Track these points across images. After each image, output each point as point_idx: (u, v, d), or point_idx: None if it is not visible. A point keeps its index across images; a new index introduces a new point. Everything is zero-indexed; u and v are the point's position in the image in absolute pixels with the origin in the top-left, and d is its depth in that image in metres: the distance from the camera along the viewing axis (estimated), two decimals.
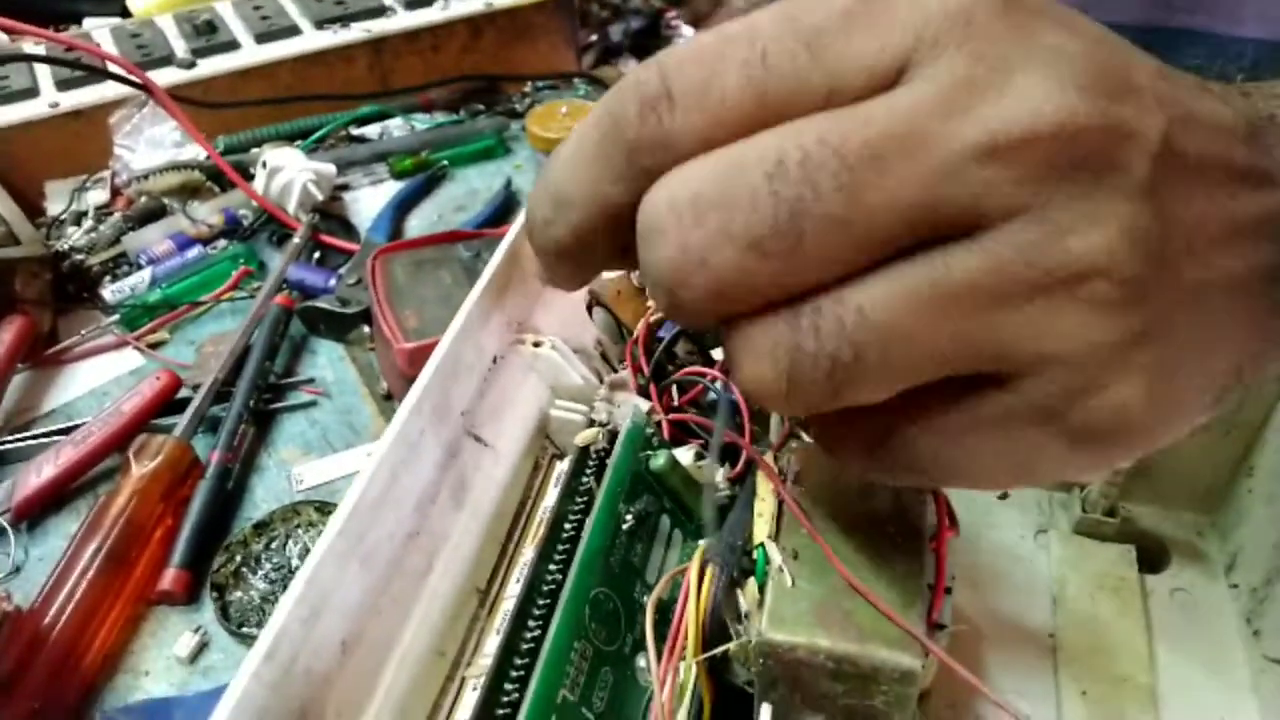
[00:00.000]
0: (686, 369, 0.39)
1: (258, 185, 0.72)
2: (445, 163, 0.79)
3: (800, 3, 0.19)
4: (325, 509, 0.52)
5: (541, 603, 0.30)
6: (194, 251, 0.69)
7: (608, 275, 0.42)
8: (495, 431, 0.34)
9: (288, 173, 0.71)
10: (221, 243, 0.70)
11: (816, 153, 0.18)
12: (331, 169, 0.74)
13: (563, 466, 0.35)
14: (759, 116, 0.19)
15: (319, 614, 0.25)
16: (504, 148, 0.82)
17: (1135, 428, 0.20)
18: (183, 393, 0.58)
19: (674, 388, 0.41)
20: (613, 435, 0.35)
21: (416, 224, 0.75)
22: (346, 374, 0.62)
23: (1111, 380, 0.19)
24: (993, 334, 0.19)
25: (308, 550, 0.50)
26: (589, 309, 0.42)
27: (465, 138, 0.81)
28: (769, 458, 0.31)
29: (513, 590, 0.31)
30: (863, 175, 0.18)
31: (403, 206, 0.75)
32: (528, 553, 0.31)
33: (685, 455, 0.35)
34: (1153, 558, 0.41)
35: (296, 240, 0.69)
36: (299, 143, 0.79)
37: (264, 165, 0.71)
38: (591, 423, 0.36)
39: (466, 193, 0.78)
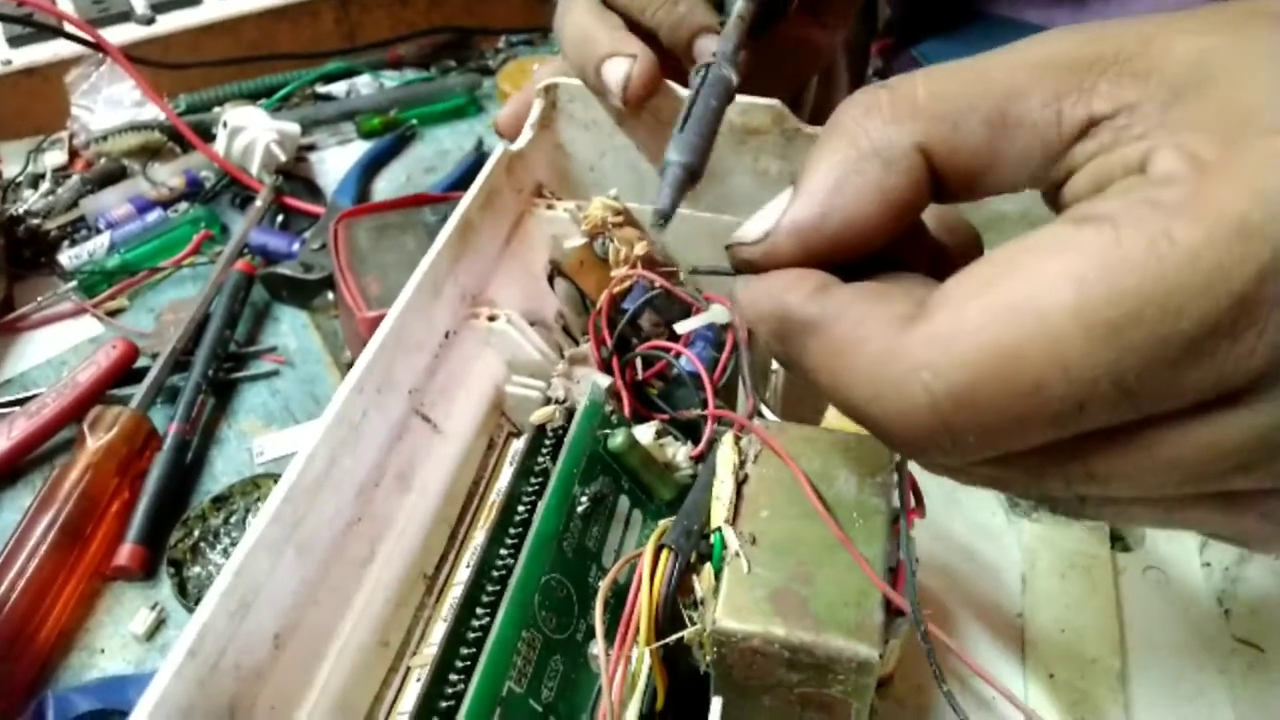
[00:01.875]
0: (650, 342, 0.37)
1: (219, 146, 0.69)
2: (414, 122, 0.77)
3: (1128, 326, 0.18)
4: None
5: (491, 589, 0.29)
6: (154, 215, 0.67)
7: (570, 244, 0.40)
8: (446, 410, 0.33)
9: (250, 133, 0.69)
10: (183, 205, 0.68)
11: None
12: (296, 129, 0.71)
13: (518, 445, 0.34)
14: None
15: (249, 606, 0.24)
16: (476, 106, 0.79)
17: None
18: (141, 361, 0.57)
19: (638, 361, 0.39)
20: (570, 413, 0.34)
21: (384, 186, 0.73)
22: (310, 342, 0.60)
23: None
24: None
25: None
26: (550, 280, 0.40)
27: (435, 96, 0.79)
28: (729, 437, 0.30)
29: (462, 576, 0.29)
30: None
31: (370, 168, 0.73)
32: (479, 536, 0.30)
33: (645, 433, 0.34)
34: (1126, 535, 0.40)
35: (259, 204, 0.67)
36: (263, 101, 0.76)
37: (225, 125, 0.69)
38: (548, 400, 0.34)
39: (436, 153, 0.76)
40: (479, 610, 0.28)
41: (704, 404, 0.37)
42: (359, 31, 0.80)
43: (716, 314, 0.36)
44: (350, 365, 0.59)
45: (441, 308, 0.33)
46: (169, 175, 0.69)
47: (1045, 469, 0.20)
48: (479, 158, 0.73)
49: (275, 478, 0.51)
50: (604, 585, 0.28)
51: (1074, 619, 0.37)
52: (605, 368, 0.38)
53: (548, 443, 0.33)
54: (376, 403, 0.29)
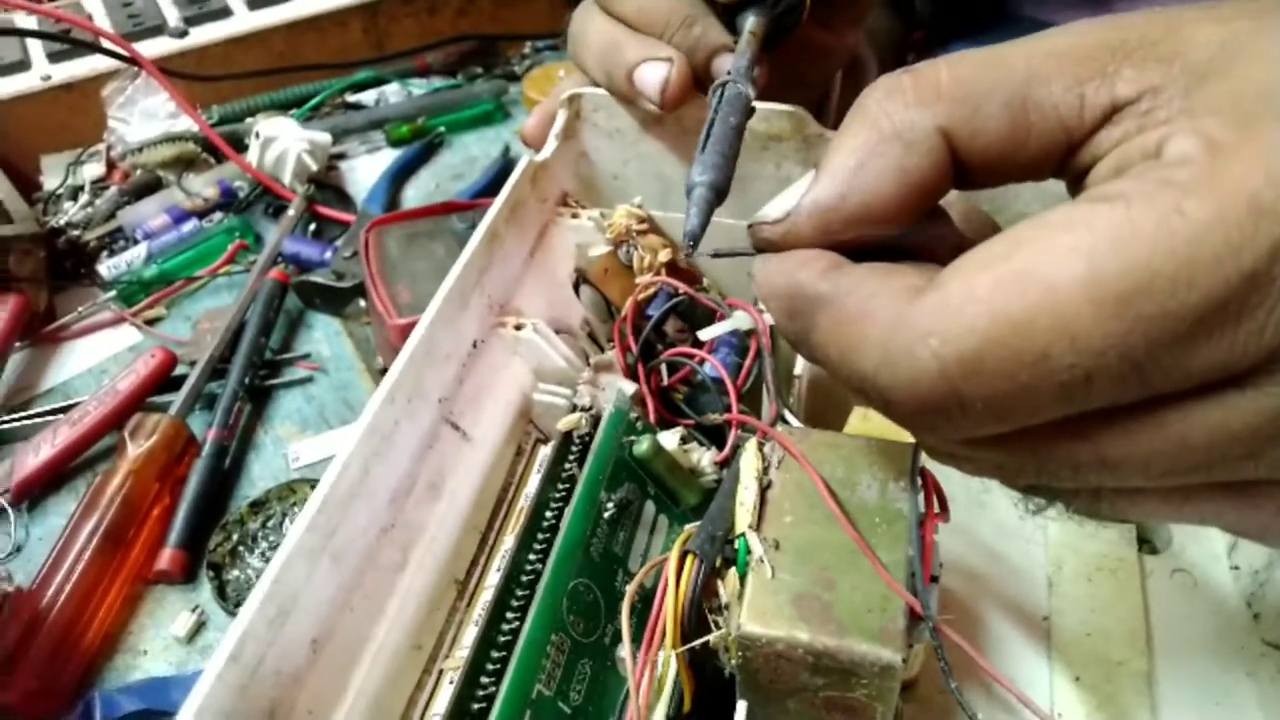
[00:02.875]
0: (674, 349, 0.38)
1: (251, 156, 0.71)
2: (442, 129, 0.78)
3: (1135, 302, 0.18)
4: None
5: (520, 594, 0.29)
6: (189, 225, 0.68)
7: (594, 252, 0.41)
8: (475, 419, 0.33)
9: (281, 143, 0.70)
10: (217, 215, 0.70)
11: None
12: (326, 138, 0.73)
13: (546, 452, 0.35)
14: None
15: (288, 613, 0.25)
16: (503, 112, 0.80)
17: None
18: (179, 369, 0.58)
19: (663, 367, 0.40)
20: (596, 420, 0.34)
21: (413, 194, 0.74)
22: (343, 349, 0.61)
23: None
24: None
25: None
26: (575, 287, 0.41)
27: (463, 103, 0.80)
28: (753, 443, 0.30)
29: (492, 580, 0.30)
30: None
31: (399, 176, 0.74)
32: (508, 542, 0.31)
33: (670, 439, 0.34)
34: (1153, 538, 0.40)
35: (291, 213, 0.68)
36: (294, 111, 0.78)
37: (257, 136, 0.70)
38: (575, 407, 0.35)
39: (464, 160, 0.77)
40: (509, 614, 0.29)
41: (728, 409, 0.37)
42: (387, 41, 0.82)
43: (740, 320, 0.37)
44: (383, 372, 0.60)
45: (469, 318, 0.34)
46: (203, 186, 0.70)
47: (1053, 452, 0.20)
48: (505, 164, 0.74)
49: (311, 483, 0.52)
50: (630, 590, 0.29)
51: (1101, 622, 0.37)
52: (630, 374, 0.39)
53: (574, 449, 0.34)
54: (408, 412, 0.30)
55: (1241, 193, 0.17)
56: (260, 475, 0.54)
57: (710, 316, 0.42)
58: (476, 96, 0.80)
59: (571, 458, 0.33)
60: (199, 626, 0.46)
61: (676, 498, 0.35)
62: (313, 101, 0.77)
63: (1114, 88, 0.20)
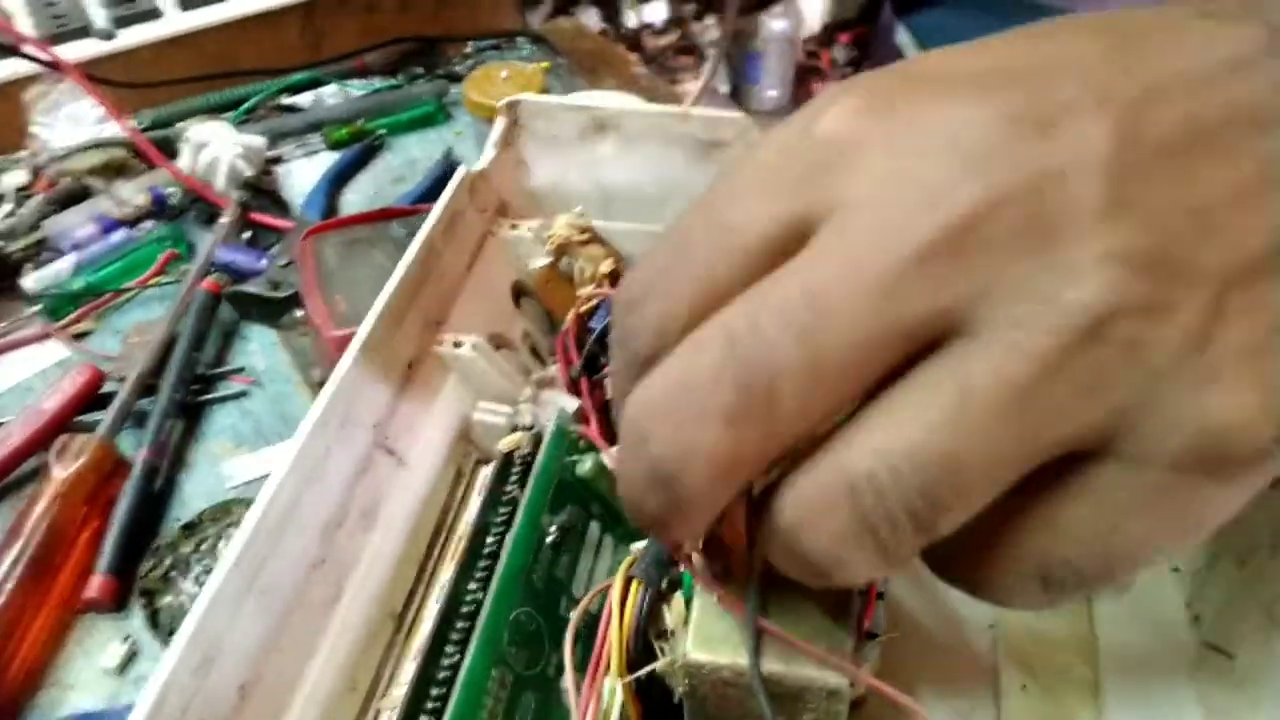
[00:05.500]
0: None
1: (183, 162, 0.69)
2: (382, 131, 0.76)
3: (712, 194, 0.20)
4: None
5: (460, 625, 0.28)
6: (119, 234, 0.66)
7: (535, 264, 0.40)
8: (411, 442, 0.32)
9: (214, 148, 0.68)
10: (148, 224, 0.67)
11: (762, 315, 0.18)
12: (261, 142, 0.71)
13: (486, 474, 0.34)
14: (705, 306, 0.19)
15: (212, 660, 0.24)
16: (444, 114, 0.79)
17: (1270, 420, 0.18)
18: (108, 386, 0.56)
19: (607, 382, 0.39)
20: (538, 439, 0.33)
21: (353, 198, 0.72)
22: (279, 361, 0.60)
23: (1206, 395, 0.17)
24: (1057, 416, 0.17)
25: None
26: (515, 299, 0.40)
27: (403, 104, 0.78)
28: None
29: (431, 612, 0.29)
30: (809, 320, 0.18)
31: (338, 180, 0.72)
32: (448, 571, 0.30)
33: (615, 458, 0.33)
34: None
35: (224, 220, 0.66)
36: (228, 114, 0.75)
37: (188, 141, 0.68)
38: (515, 427, 0.34)
39: (405, 163, 0.75)
40: (449, 649, 0.28)
41: None
42: (324, 41, 0.80)
43: None
44: (320, 384, 0.58)
45: (404, 337, 0.33)
46: (133, 193, 0.68)
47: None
48: (447, 168, 0.72)
49: (246, 503, 0.50)
50: (574, 618, 0.28)
51: (1046, 629, 0.37)
52: (574, 389, 0.38)
53: (515, 471, 0.33)
54: (340, 438, 0.29)
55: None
56: (193, 495, 0.52)
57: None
58: (417, 98, 0.78)
59: (513, 479, 0.33)
60: (130, 657, 0.45)
61: (621, 518, 0.34)
62: (247, 104, 0.75)
63: None
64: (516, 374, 0.36)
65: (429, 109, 0.78)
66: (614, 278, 0.40)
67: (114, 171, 0.70)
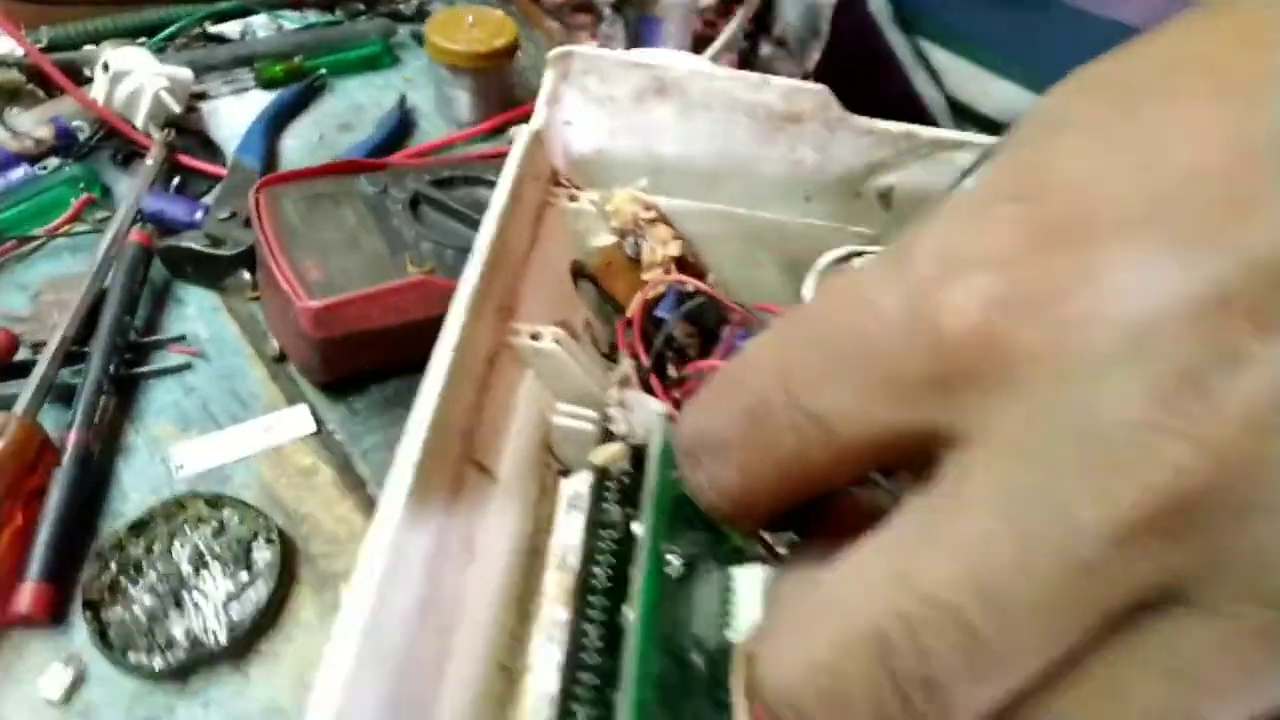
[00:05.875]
0: (701, 361, 0.33)
1: (97, 91, 0.59)
2: (323, 71, 0.68)
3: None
4: (218, 502, 0.43)
5: (586, 678, 0.24)
6: (18, 172, 0.56)
7: (596, 242, 0.35)
8: (498, 453, 0.27)
9: (136, 78, 0.59)
10: (53, 161, 0.58)
11: (917, 614, 0.15)
12: (188, 74, 0.62)
13: (572, 489, 0.29)
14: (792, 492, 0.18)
15: None
16: (391, 56, 0.71)
17: None
18: (20, 353, 0.48)
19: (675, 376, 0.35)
20: (636, 452, 0.29)
21: (294, 144, 0.64)
22: (225, 330, 0.52)
23: None
24: None
25: (200, 553, 0.42)
26: (574, 280, 0.35)
27: (346, 42, 0.70)
28: None
29: (541, 660, 0.25)
30: (979, 622, 0.14)
31: (275, 122, 0.64)
32: (552, 612, 0.25)
33: None
34: None
35: (150, 162, 0.57)
36: (143, 40, 0.66)
37: (105, 68, 0.58)
38: (606, 433, 0.29)
39: (350, 107, 0.67)
40: (578, 709, 0.23)
41: None
42: None
43: None
44: (279, 358, 0.51)
45: (483, 329, 0.28)
46: (33, 124, 0.58)
47: None
48: (403, 117, 0.65)
49: (205, 497, 0.43)
50: (738, 668, 0.24)
51: None
52: (644, 385, 0.33)
53: (610, 486, 0.29)
54: (435, 452, 0.24)
55: None
56: (135, 486, 0.45)
57: (720, 317, 0.37)
58: (362, 36, 0.70)
59: (610, 499, 0.28)
60: (76, 682, 0.38)
61: (728, 535, 0.30)
62: (168, 30, 0.65)
63: None
64: (596, 369, 0.31)
65: (375, 49, 0.70)
66: (681, 263, 0.36)
67: (8, 97, 0.60)
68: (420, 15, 0.74)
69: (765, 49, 2.83)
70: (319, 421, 0.48)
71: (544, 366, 0.30)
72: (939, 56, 0.66)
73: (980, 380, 0.15)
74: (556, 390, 0.30)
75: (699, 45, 2.60)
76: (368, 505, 0.45)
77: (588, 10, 2.71)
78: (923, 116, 0.68)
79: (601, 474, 0.29)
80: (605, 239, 0.35)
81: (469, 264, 0.27)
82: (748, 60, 2.74)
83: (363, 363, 0.50)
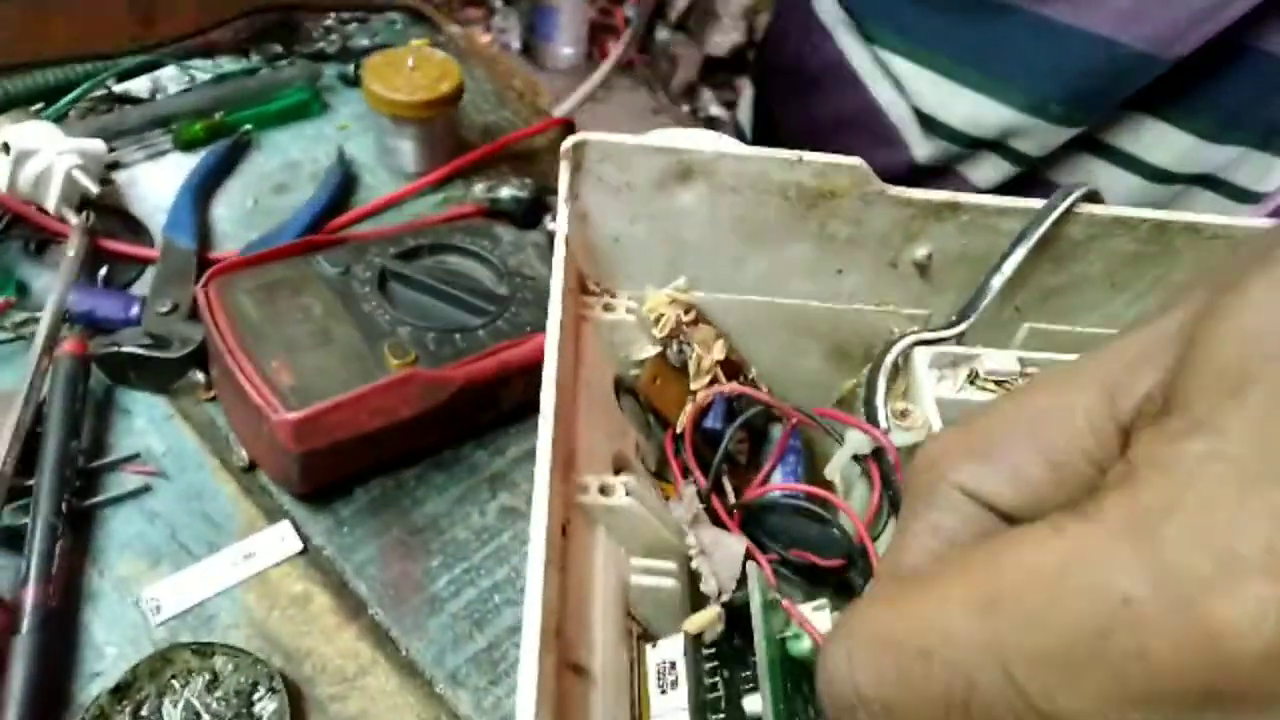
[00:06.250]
0: (771, 484, 0.30)
1: None
2: (248, 126, 0.62)
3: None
4: (207, 650, 0.39)
5: None
6: None
7: (639, 355, 0.32)
8: (588, 648, 0.24)
9: (42, 157, 0.52)
10: None
11: None
12: (99, 146, 0.56)
13: (660, 658, 0.26)
14: None
15: None
16: (319, 103, 0.66)
17: None
18: None
19: (726, 484, 0.32)
20: (732, 613, 0.26)
21: (225, 213, 0.58)
22: (182, 440, 0.47)
23: None
24: None
25: (195, 712, 0.38)
26: (616, 394, 0.32)
27: (268, 92, 0.64)
28: None
29: None
30: None
31: (203, 189, 0.58)
32: None
33: (821, 619, 0.27)
34: None
35: (71, 253, 0.51)
36: (41, 106, 0.59)
37: (5, 149, 0.52)
38: (694, 591, 0.26)
39: (283, 165, 0.62)
40: None
41: (846, 552, 0.30)
42: (158, 14, 0.64)
43: (858, 444, 0.30)
44: (248, 468, 0.46)
45: (555, 502, 0.24)
46: None
47: None
48: (344, 172, 0.60)
49: (192, 647, 0.39)
50: None
51: None
52: (704, 503, 0.30)
53: (708, 654, 0.26)
54: (540, 679, 0.20)
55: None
56: (109, 639, 0.40)
57: (768, 415, 0.34)
58: (285, 83, 0.65)
59: (711, 673, 0.25)
60: None
61: None
62: (70, 97, 0.59)
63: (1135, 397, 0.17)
64: (664, 509, 0.28)
65: (301, 97, 0.65)
66: (728, 367, 0.33)
67: None
68: (346, 54, 0.69)
69: (663, 34, 2.77)
70: (304, 538, 0.44)
71: (616, 522, 0.27)
72: (901, 67, 0.64)
73: (1267, 701, 0.14)
74: (630, 544, 0.27)
75: (595, 34, 2.55)
76: (373, 632, 0.41)
77: (478, 4, 2.61)
78: (884, 128, 0.66)
79: (695, 640, 0.26)
80: (647, 350, 0.31)
81: (540, 439, 0.24)
82: (645, 46, 2.68)
83: (347, 469, 0.45)
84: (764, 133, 0.81)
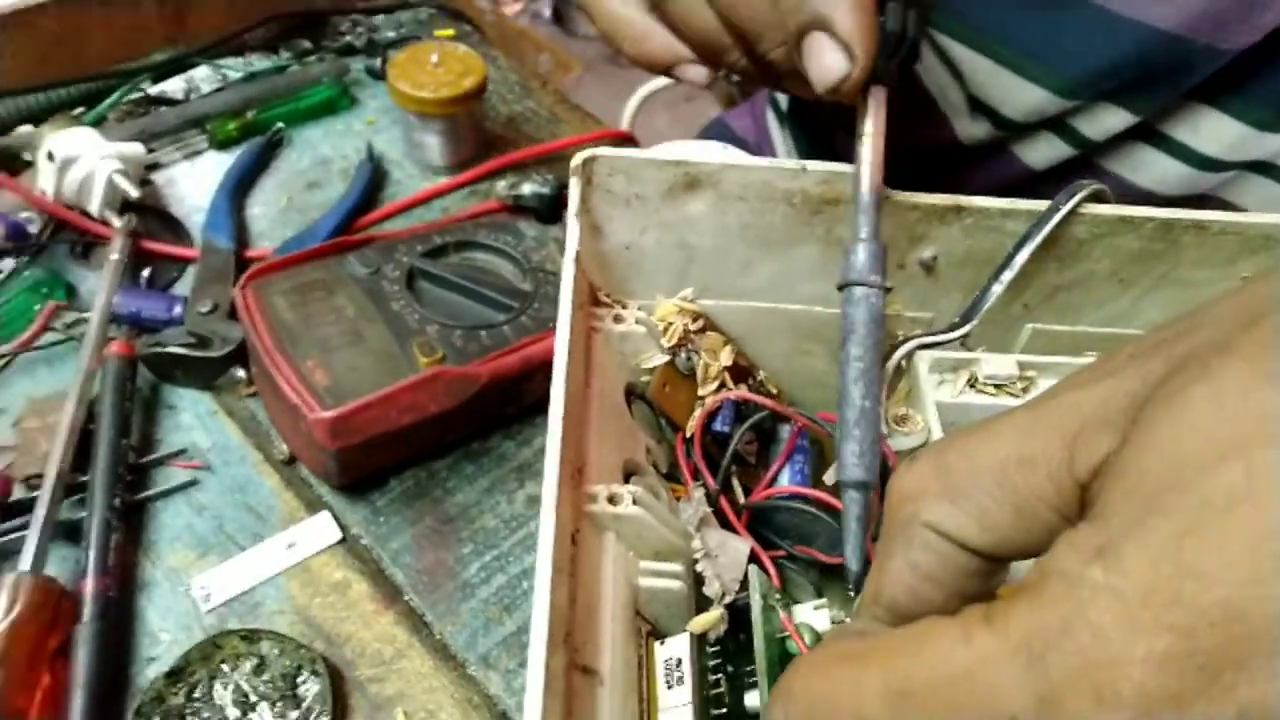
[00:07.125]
0: (779, 487, 0.31)
1: (44, 182, 0.55)
2: (280, 125, 0.64)
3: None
4: (254, 636, 0.41)
5: None
6: None
7: (649, 363, 0.33)
8: (597, 650, 0.26)
9: (85, 163, 0.55)
10: (7, 263, 0.54)
11: None
12: (139, 150, 0.58)
13: (668, 654, 0.28)
14: None
15: None
16: (348, 98, 0.67)
17: None
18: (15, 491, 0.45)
19: (738, 489, 0.34)
20: (733, 613, 0.28)
21: (260, 211, 0.61)
22: (226, 435, 0.49)
23: None
24: None
25: (244, 694, 0.40)
26: (627, 401, 0.33)
27: (297, 89, 0.66)
28: None
29: None
30: None
31: (238, 189, 0.60)
32: None
33: (820, 618, 0.28)
34: None
35: (115, 256, 0.54)
36: (81, 111, 0.61)
37: (50, 157, 0.54)
38: (698, 592, 0.28)
39: (314, 162, 0.64)
40: None
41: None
42: (188, 16, 0.66)
43: None
44: (289, 460, 0.49)
45: (564, 511, 0.26)
46: None
47: None
48: (373, 168, 0.62)
49: (240, 633, 0.41)
50: None
51: None
52: (712, 504, 0.32)
53: (711, 651, 0.27)
54: (551, 682, 0.22)
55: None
56: (163, 626, 0.43)
57: (775, 416, 0.36)
58: (314, 80, 0.66)
59: (714, 669, 0.27)
60: None
61: None
62: (110, 100, 0.61)
63: (1090, 460, 0.18)
64: (671, 514, 0.30)
65: (330, 94, 0.66)
66: (738, 370, 0.34)
67: None
68: (373, 47, 0.70)
69: None
70: (342, 528, 0.46)
71: (625, 529, 0.28)
72: (959, 52, 0.63)
73: None
74: (638, 549, 0.29)
75: None
76: (408, 617, 0.44)
77: None
78: (935, 112, 0.65)
79: (699, 640, 0.27)
80: (657, 358, 0.33)
81: (547, 457, 0.25)
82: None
83: (381, 462, 0.48)
84: (799, 106, 0.80)
